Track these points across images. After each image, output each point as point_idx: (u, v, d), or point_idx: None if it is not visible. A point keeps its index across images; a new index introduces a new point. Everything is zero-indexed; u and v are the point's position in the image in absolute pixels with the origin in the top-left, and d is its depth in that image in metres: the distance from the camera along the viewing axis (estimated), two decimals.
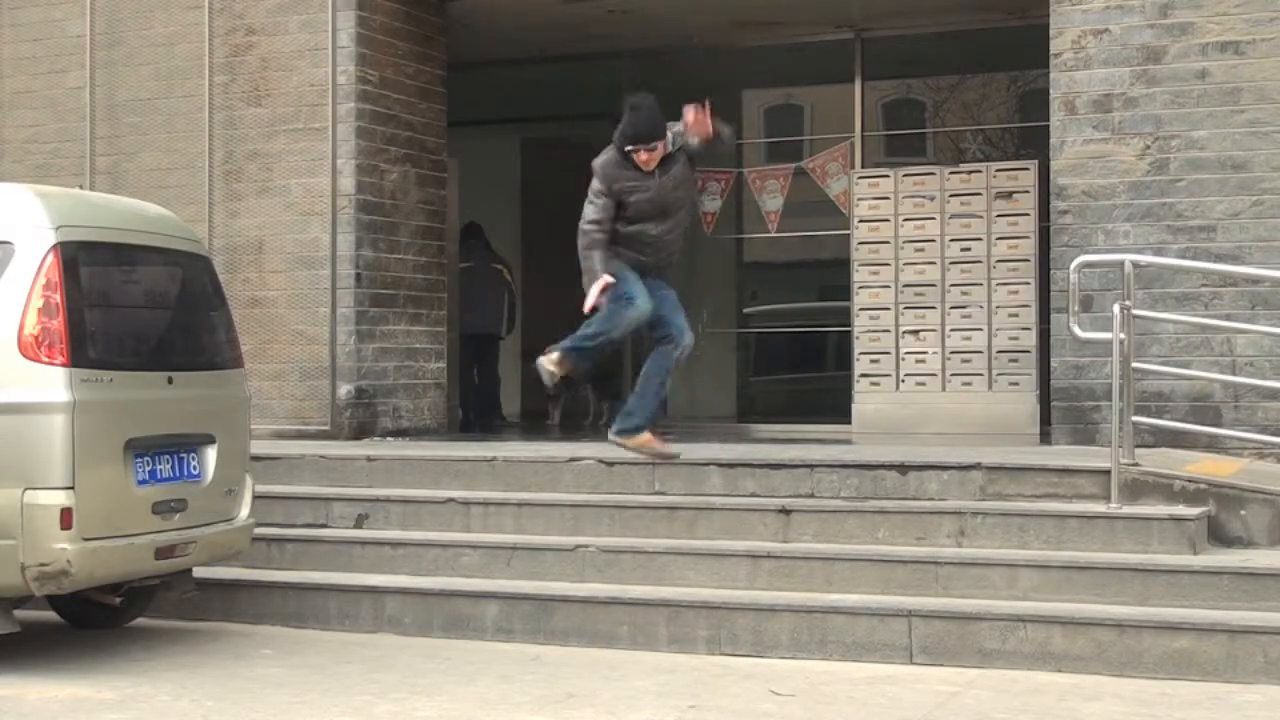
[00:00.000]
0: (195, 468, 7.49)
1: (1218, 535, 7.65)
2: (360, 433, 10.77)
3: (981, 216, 11.14)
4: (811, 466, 8.28)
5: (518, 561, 8.13)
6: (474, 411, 13.26)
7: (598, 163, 8.05)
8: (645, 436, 8.25)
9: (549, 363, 8.38)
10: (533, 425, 13.51)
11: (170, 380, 7.40)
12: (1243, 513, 7.67)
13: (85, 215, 7.34)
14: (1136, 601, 7.09)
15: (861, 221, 11.61)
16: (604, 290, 7.99)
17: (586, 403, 13.48)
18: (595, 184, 8.10)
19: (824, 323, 13.88)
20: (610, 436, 8.43)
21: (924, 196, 11.41)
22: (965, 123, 14.04)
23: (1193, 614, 6.88)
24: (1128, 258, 8.24)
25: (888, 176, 11.65)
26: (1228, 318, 8.90)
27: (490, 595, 7.89)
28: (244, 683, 6.81)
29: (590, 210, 8.17)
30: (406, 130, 11.32)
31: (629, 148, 7.85)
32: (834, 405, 12.01)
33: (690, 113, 8.09)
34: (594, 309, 8.21)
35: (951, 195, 11.29)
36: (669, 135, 7.91)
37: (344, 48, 10.83)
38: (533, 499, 8.53)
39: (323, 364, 10.79)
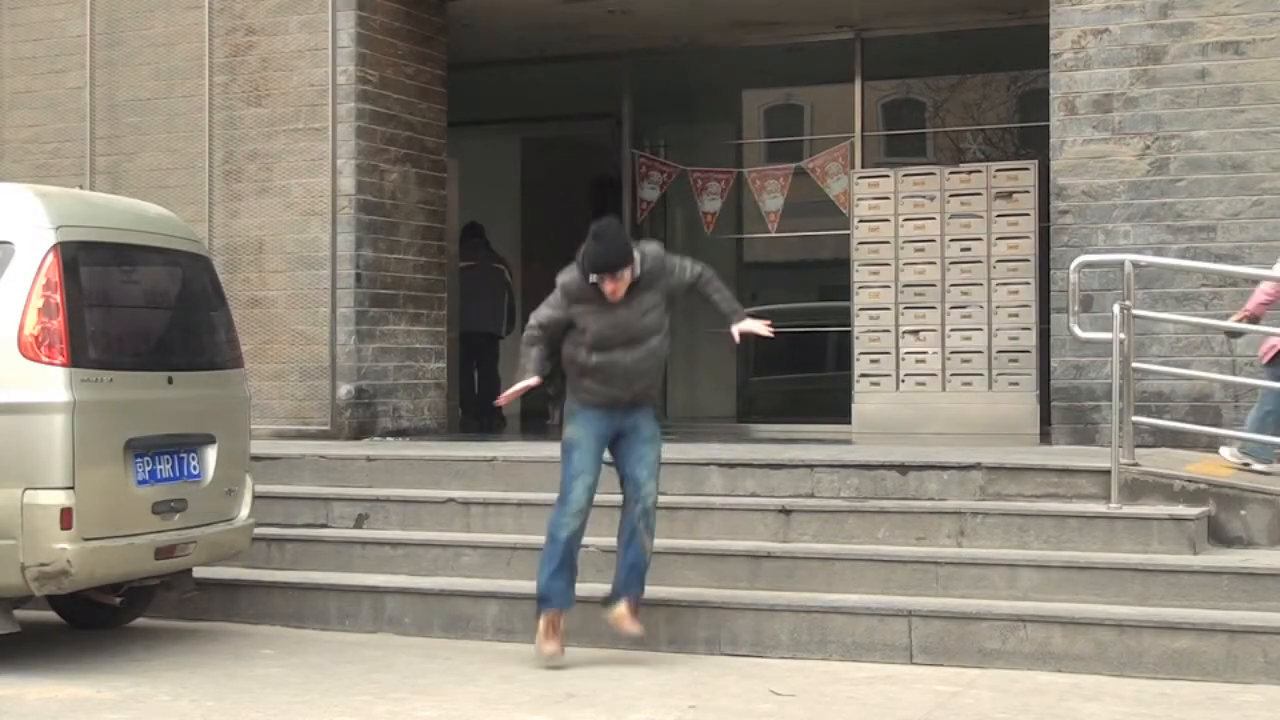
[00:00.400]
0: (195, 468, 7.49)
1: (1218, 535, 7.65)
2: (360, 433, 10.77)
3: (981, 216, 11.14)
4: (811, 466, 8.28)
5: (518, 561, 8.12)
6: (474, 411, 13.26)
7: (561, 280, 7.27)
8: (618, 611, 7.23)
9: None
10: (533, 425, 13.50)
11: (170, 380, 7.40)
12: (1243, 513, 7.67)
13: (85, 215, 7.34)
14: (1136, 601, 7.09)
15: (861, 221, 11.60)
16: (524, 391, 7.30)
17: None
18: (555, 296, 7.32)
19: (824, 323, 13.87)
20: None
21: (924, 196, 11.40)
22: (965, 123, 14.04)
23: (1193, 614, 6.88)
24: (1128, 258, 8.23)
25: (888, 176, 11.64)
26: (1228, 318, 8.89)
27: (490, 595, 7.89)
28: (244, 683, 6.81)
29: (540, 311, 7.36)
30: (406, 130, 11.32)
31: (593, 278, 7.10)
32: (834, 405, 12.01)
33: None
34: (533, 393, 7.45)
35: (951, 195, 11.28)
36: (637, 258, 7.13)
37: (344, 48, 10.83)
38: (533, 499, 8.52)
39: (323, 364, 10.79)
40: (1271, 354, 8.24)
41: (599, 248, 7.09)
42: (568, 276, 7.23)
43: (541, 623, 7.14)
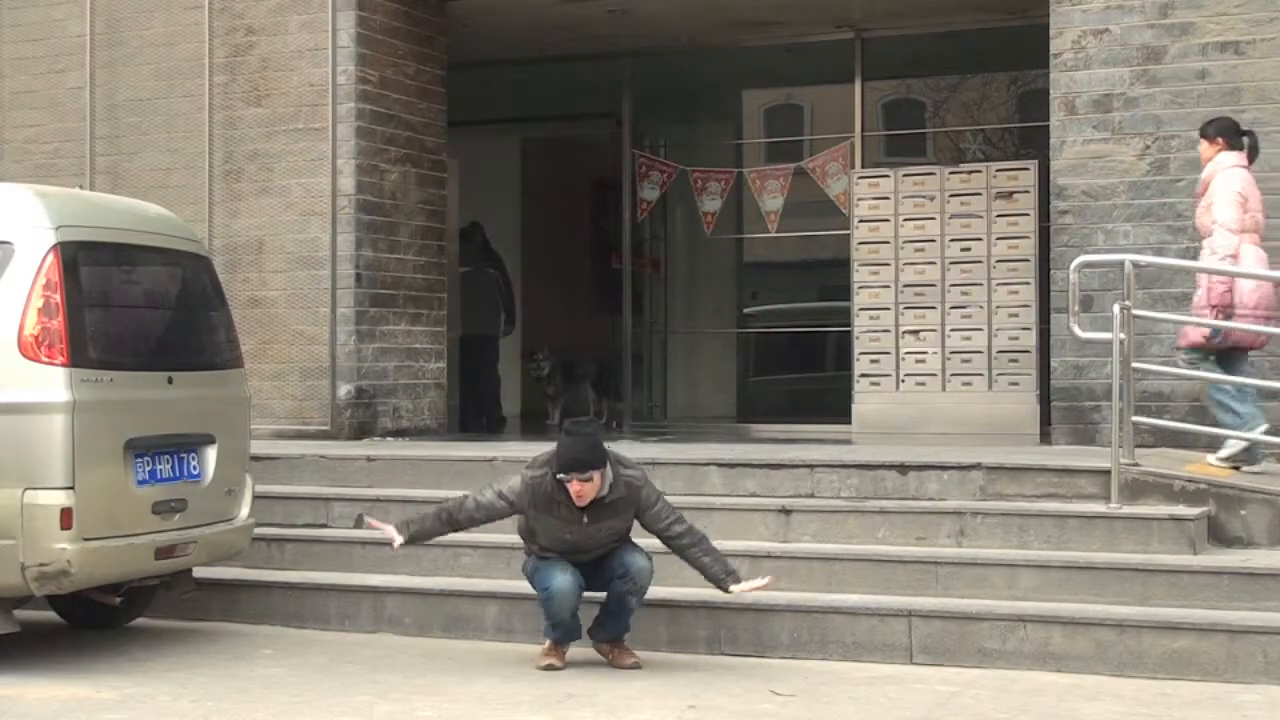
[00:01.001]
0: (195, 468, 7.49)
1: (1218, 535, 7.65)
2: (360, 433, 10.77)
3: (981, 216, 11.13)
4: (811, 466, 8.28)
5: (518, 561, 8.08)
6: (474, 411, 13.28)
7: (527, 475, 6.90)
8: (603, 648, 7.16)
9: None
10: (533, 425, 13.50)
11: (170, 380, 7.40)
12: (1243, 513, 7.67)
13: (85, 215, 7.34)
14: (1136, 601, 7.09)
15: (861, 221, 11.60)
16: (387, 541, 7.14)
17: (586, 403, 13.49)
18: (514, 487, 6.93)
19: (824, 323, 13.88)
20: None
21: (924, 196, 11.40)
22: (965, 123, 14.05)
23: (1193, 614, 6.88)
24: (1128, 258, 8.23)
25: (888, 176, 11.64)
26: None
27: (490, 595, 7.89)
28: (244, 683, 6.81)
29: (486, 495, 7.01)
30: (406, 130, 11.32)
31: (560, 475, 6.74)
32: (834, 405, 12.00)
33: None
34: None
35: (951, 195, 11.27)
36: (608, 470, 6.79)
37: (344, 48, 10.83)
38: None
39: (323, 364, 10.79)
40: (1187, 341, 8.26)
41: (572, 443, 6.79)
42: (533, 474, 6.87)
43: (548, 643, 7.12)
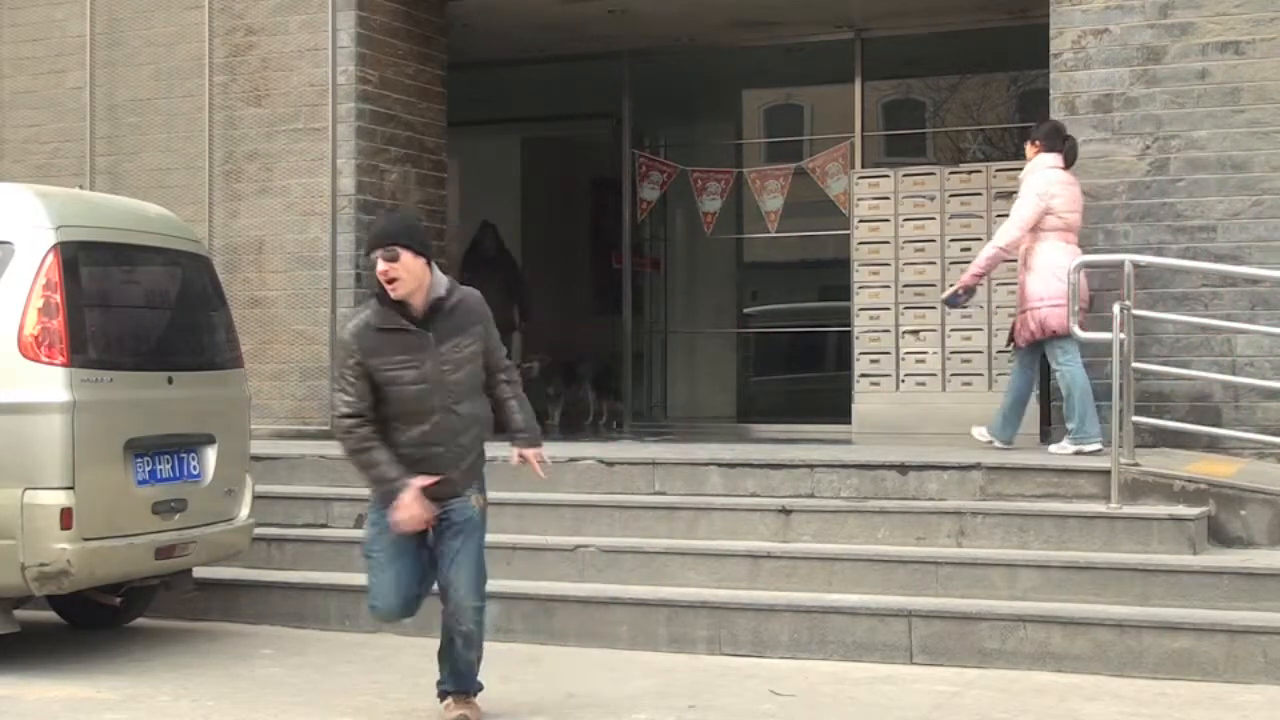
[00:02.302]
0: (195, 468, 7.49)
1: (1218, 535, 7.65)
2: None
3: (981, 216, 11.13)
4: (811, 466, 8.28)
5: (518, 561, 8.12)
6: None
7: (342, 338, 5.85)
8: (447, 705, 6.05)
9: None
10: None
11: (170, 380, 7.40)
12: (1243, 513, 7.67)
13: (85, 215, 7.34)
14: (1136, 601, 7.09)
15: (861, 221, 11.60)
16: (425, 488, 5.76)
17: (586, 403, 13.49)
18: (345, 364, 5.81)
19: (824, 323, 13.88)
20: None
21: (924, 196, 11.40)
22: (965, 123, 14.05)
23: (1193, 614, 6.88)
24: (1128, 258, 8.24)
25: (888, 176, 11.64)
26: (1228, 318, 8.90)
27: (490, 595, 7.84)
28: (244, 683, 6.81)
29: (339, 399, 5.85)
30: (406, 130, 11.32)
31: (369, 255, 5.79)
32: (834, 405, 12.00)
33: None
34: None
35: (951, 195, 11.28)
36: (434, 270, 5.82)
37: (344, 48, 10.83)
38: (533, 499, 8.52)
39: (323, 364, 10.78)
40: (1036, 332, 8.69)
41: (381, 220, 6.13)
42: (351, 323, 5.85)
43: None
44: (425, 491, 5.77)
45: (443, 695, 6.05)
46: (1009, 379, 9.27)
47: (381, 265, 5.71)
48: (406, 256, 5.72)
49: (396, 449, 5.81)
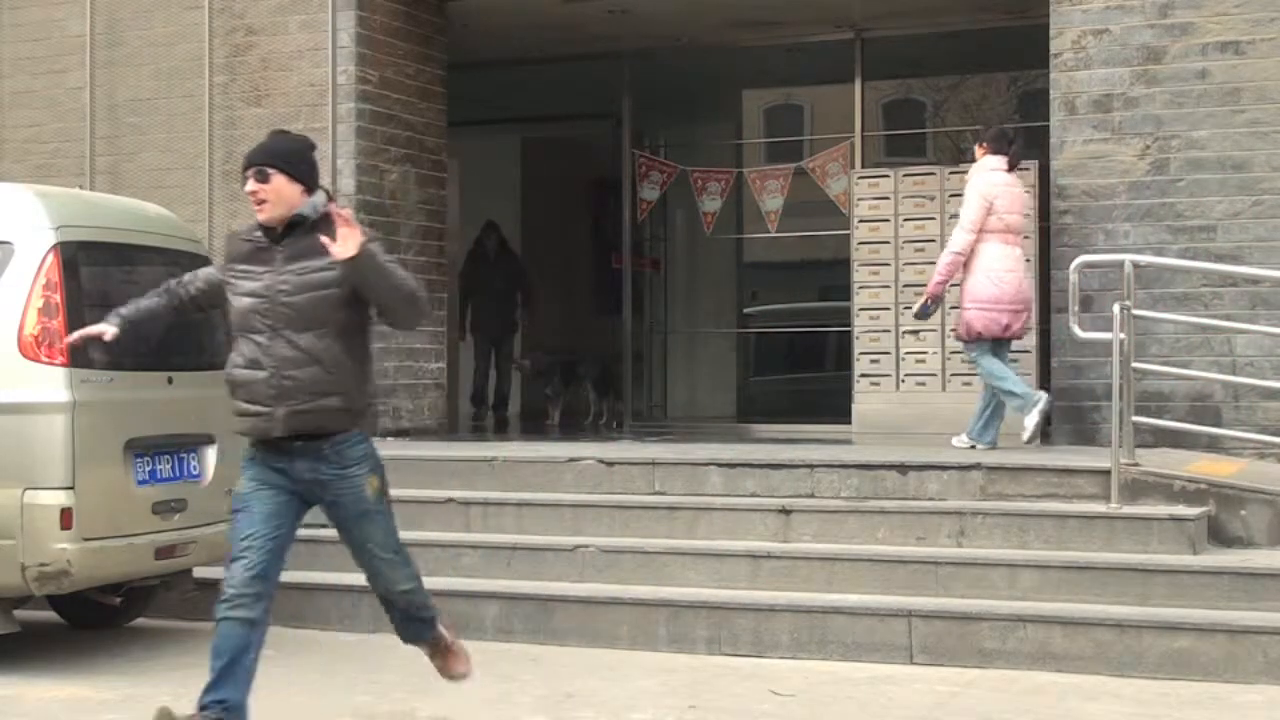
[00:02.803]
0: (195, 468, 7.49)
1: (1218, 535, 7.65)
2: None
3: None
4: (811, 466, 8.28)
5: (518, 561, 8.13)
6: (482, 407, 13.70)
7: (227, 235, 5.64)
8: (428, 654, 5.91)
9: None
10: (533, 425, 13.51)
11: (170, 380, 7.40)
12: (1243, 513, 7.67)
13: (85, 215, 7.34)
14: (1136, 601, 7.09)
15: (861, 221, 11.60)
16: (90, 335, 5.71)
17: (587, 403, 13.50)
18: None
19: (824, 323, 13.88)
20: None
21: (924, 196, 11.41)
22: (965, 123, 14.04)
23: (1193, 614, 6.88)
24: (1128, 258, 8.25)
25: (888, 176, 11.65)
26: (1228, 318, 8.90)
27: (490, 595, 7.88)
28: None
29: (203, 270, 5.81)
30: (406, 130, 11.31)
31: (244, 171, 5.38)
32: (834, 405, 12.00)
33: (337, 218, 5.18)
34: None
35: (952, 195, 11.25)
36: (317, 195, 5.37)
37: (344, 48, 10.83)
38: (533, 499, 8.53)
39: None
40: (968, 334, 8.94)
41: (265, 138, 5.58)
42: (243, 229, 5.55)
43: None
44: (256, 427, 5.35)
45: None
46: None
47: (250, 185, 5.33)
48: (280, 180, 5.31)
49: (229, 369, 5.48)
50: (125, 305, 5.81)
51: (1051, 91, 9.52)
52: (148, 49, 11.46)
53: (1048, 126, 9.57)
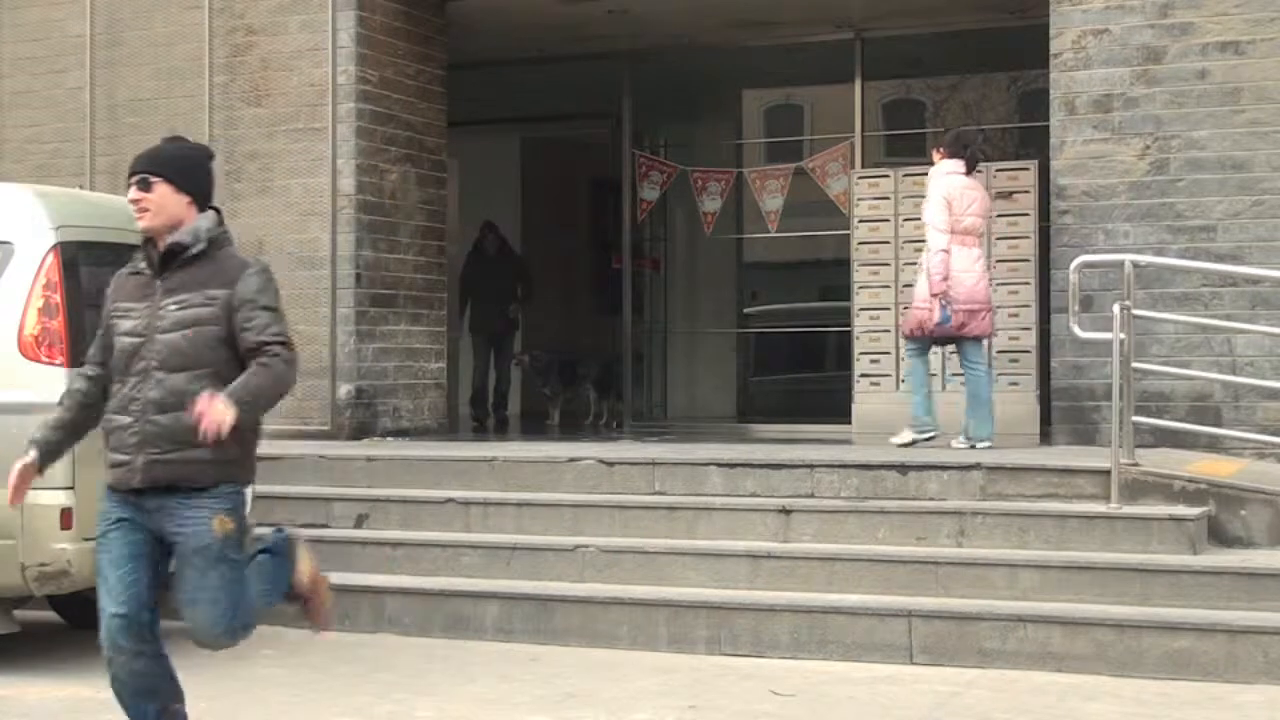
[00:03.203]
0: None
1: (1218, 535, 7.65)
2: (360, 433, 10.77)
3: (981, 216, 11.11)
4: (811, 466, 8.28)
5: (518, 561, 8.13)
6: (482, 407, 13.67)
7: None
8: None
9: None
10: (533, 425, 13.51)
11: None
12: (1243, 513, 7.67)
13: (85, 215, 7.34)
14: (1136, 601, 7.09)
15: (861, 221, 11.60)
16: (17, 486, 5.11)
17: (587, 403, 13.51)
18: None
19: (824, 323, 13.88)
20: None
21: (924, 196, 11.31)
22: (965, 123, 14.02)
23: (1193, 614, 6.88)
24: (1128, 258, 8.24)
25: (888, 176, 11.64)
26: (1228, 318, 8.90)
27: (490, 595, 7.89)
28: (244, 683, 6.81)
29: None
30: (406, 130, 11.31)
31: (129, 178, 4.98)
32: (834, 405, 12.00)
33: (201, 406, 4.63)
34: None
35: None
36: (206, 218, 5.03)
37: (344, 48, 10.83)
38: (533, 499, 8.53)
39: (323, 364, 10.78)
40: (914, 330, 9.26)
41: (154, 145, 5.14)
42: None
43: None
44: (118, 477, 4.95)
45: None
46: (964, 381, 9.50)
47: (132, 193, 4.93)
48: (163, 189, 4.92)
49: (107, 414, 4.94)
50: (38, 430, 5.23)
51: (1051, 91, 9.52)
52: (148, 49, 11.45)
53: (1048, 126, 9.57)
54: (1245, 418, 8.93)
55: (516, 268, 14.25)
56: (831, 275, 13.17)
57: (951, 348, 9.71)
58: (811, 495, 8.20)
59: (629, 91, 14.20)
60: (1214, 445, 8.77)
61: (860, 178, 11.88)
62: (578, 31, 13.01)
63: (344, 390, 10.78)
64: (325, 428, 10.75)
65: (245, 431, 4.81)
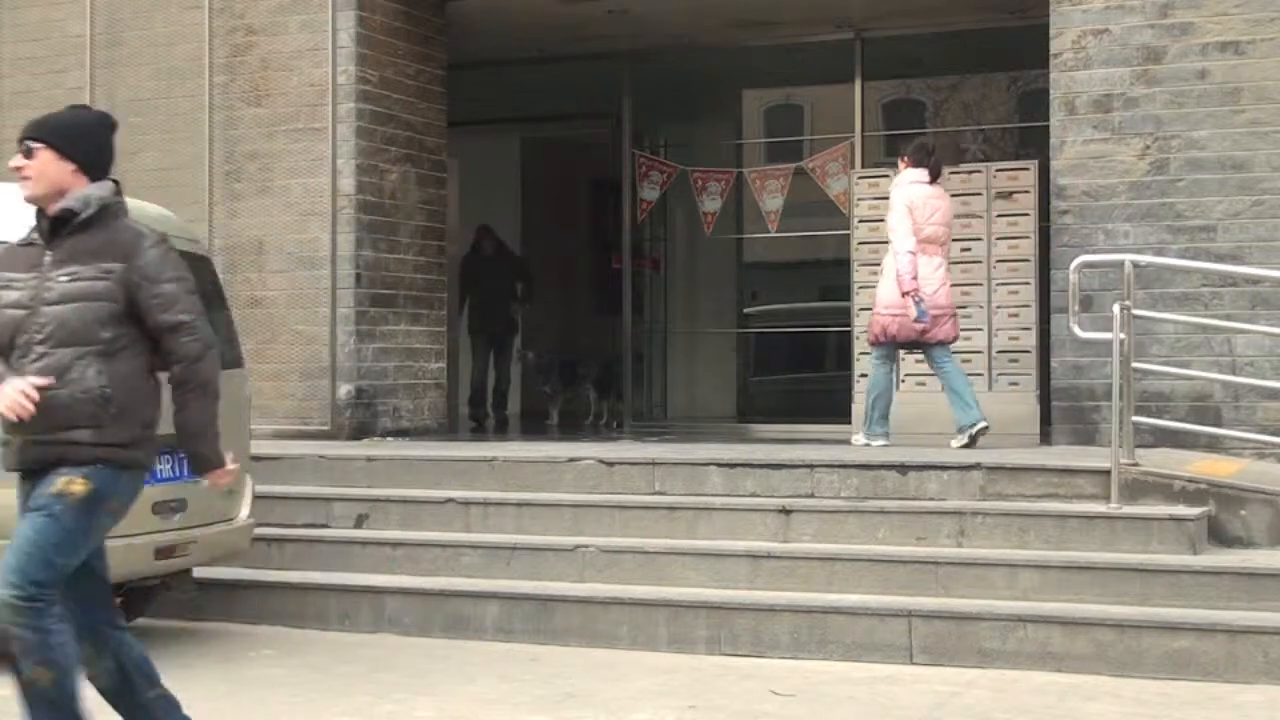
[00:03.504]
0: None
1: (1218, 535, 7.65)
2: (360, 433, 10.77)
3: (981, 216, 11.13)
4: (811, 466, 8.28)
5: (518, 561, 8.13)
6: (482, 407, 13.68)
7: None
8: None
9: None
10: (532, 425, 13.52)
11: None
12: (1243, 513, 7.67)
13: None
14: (1136, 601, 7.09)
15: (861, 221, 11.60)
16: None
17: (587, 403, 13.51)
18: None
19: (824, 323, 13.88)
20: None
21: None
22: (965, 123, 14.04)
23: (1193, 614, 6.88)
24: (1128, 258, 8.24)
25: (888, 176, 11.60)
26: (1228, 318, 8.90)
27: (490, 595, 7.89)
28: (244, 683, 6.81)
29: None
30: (406, 130, 11.32)
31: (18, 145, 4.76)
32: (834, 405, 12.00)
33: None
34: None
35: (951, 195, 11.26)
36: (96, 188, 4.74)
37: (344, 48, 10.83)
38: (533, 499, 8.53)
39: (323, 364, 10.79)
40: (878, 336, 9.41)
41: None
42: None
43: None
44: (5, 458, 4.66)
45: None
46: (941, 380, 9.63)
47: (15, 159, 4.72)
48: (46, 155, 4.68)
49: None
50: None
51: (1051, 91, 9.52)
52: (148, 49, 11.46)
53: (1047, 126, 9.57)
54: (1245, 418, 8.93)
55: (516, 268, 14.28)
56: (831, 275, 13.17)
57: (919, 355, 9.85)
58: (811, 495, 8.21)
59: (629, 91, 14.20)
60: (1214, 445, 8.77)
61: (860, 178, 11.89)
62: (578, 31, 13.02)
63: (344, 390, 10.78)
64: (325, 428, 10.75)
65: (125, 409, 4.63)
